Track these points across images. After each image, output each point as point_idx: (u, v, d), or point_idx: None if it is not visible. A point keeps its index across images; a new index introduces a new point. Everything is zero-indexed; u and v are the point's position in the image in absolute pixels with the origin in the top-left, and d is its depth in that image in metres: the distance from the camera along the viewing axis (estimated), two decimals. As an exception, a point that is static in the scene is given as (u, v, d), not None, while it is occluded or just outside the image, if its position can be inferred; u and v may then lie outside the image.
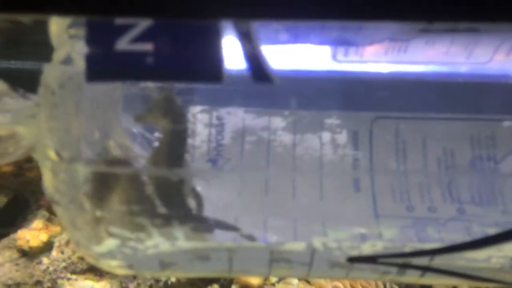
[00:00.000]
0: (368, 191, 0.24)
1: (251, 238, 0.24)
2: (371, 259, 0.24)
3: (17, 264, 0.70)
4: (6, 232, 0.74)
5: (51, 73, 0.21)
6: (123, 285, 0.72)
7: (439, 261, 0.24)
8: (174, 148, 0.23)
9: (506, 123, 0.25)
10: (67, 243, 0.71)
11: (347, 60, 0.25)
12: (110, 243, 0.23)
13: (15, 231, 0.73)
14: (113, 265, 0.24)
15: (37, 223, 0.73)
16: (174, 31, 0.19)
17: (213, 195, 0.24)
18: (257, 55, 0.19)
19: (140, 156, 0.23)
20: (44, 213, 0.76)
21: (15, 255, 0.71)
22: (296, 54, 0.24)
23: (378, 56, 0.25)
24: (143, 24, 0.19)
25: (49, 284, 0.70)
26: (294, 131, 0.25)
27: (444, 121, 0.25)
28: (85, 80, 0.19)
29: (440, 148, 0.24)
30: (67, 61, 0.21)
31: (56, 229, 0.74)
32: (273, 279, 0.70)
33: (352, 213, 0.24)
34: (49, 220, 0.76)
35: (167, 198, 0.23)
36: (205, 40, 0.19)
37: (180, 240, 0.23)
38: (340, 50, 0.24)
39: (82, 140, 0.22)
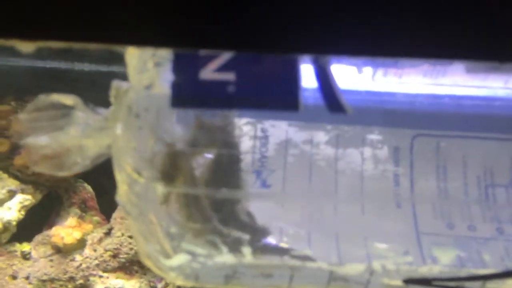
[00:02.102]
0: (409, 207, 0.25)
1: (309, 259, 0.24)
2: (425, 282, 0.25)
3: (51, 260, 0.72)
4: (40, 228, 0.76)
5: (133, 96, 0.23)
6: (152, 284, 0.73)
7: (491, 285, 0.25)
8: (232, 170, 0.25)
9: None
10: (99, 241, 0.73)
11: (386, 81, 0.25)
12: (181, 258, 0.24)
13: (50, 227, 0.75)
14: (180, 278, 0.25)
15: (71, 220, 0.74)
16: (255, 62, 0.20)
17: (258, 206, 0.25)
18: (332, 88, 0.20)
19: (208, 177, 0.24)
20: (76, 210, 0.78)
21: (49, 251, 0.72)
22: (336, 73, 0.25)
23: (417, 78, 0.25)
24: (226, 55, 0.20)
25: (81, 281, 0.71)
26: (336, 146, 0.25)
27: (484, 141, 0.25)
28: (170, 106, 0.20)
29: (480, 167, 0.25)
30: (150, 86, 0.22)
31: (88, 227, 0.75)
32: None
33: (393, 229, 0.25)
34: (81, 217, 0.77)
35: (236, 218, 0.24)
36: (284, 71, 0.20)
37: (248, 257, 0.24)
38: (379, 71, 0.25)
39: (158, 160, 0.23)
